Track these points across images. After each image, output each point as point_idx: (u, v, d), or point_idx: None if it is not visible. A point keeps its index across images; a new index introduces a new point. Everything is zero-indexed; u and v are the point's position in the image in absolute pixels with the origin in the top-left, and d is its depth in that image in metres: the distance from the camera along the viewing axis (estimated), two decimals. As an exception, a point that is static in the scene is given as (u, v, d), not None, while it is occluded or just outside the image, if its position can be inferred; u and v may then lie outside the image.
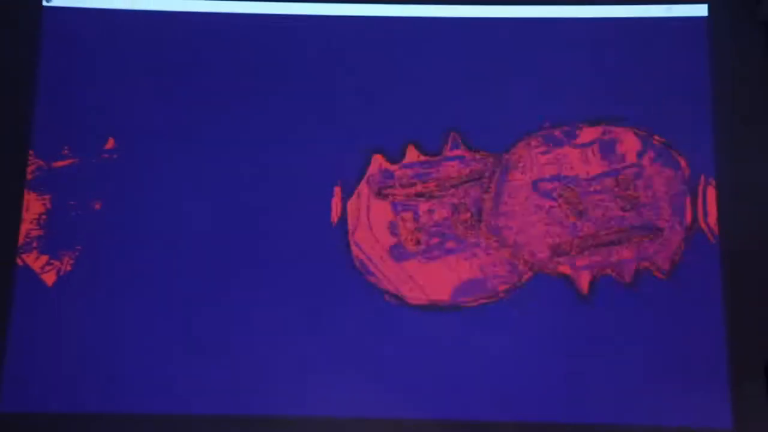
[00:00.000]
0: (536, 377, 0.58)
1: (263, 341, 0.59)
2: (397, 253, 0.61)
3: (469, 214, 0.61)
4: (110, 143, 0.62)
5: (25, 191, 0.61)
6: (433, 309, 0.60)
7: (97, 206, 0.61)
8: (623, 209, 0.61)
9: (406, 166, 0.62)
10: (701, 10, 0.63)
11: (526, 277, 0.60)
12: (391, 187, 0.62)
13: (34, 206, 0.61)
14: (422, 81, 0.63)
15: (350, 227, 0.61)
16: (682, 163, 0.61)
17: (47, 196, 0.61)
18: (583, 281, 0.60)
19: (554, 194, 0.61)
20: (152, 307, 0.60)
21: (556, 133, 0.62)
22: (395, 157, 0.62)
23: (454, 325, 0.59)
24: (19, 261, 0.60)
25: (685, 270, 0.60)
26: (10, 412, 0.58)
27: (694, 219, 0.60)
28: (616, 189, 0.61)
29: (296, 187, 0.62)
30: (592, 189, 0.61)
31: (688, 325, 0.59)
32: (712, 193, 0.61)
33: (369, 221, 0.61)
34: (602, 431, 0.58)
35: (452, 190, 0.61)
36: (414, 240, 0.61)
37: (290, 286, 0.60)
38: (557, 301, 0.59)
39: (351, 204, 0.61)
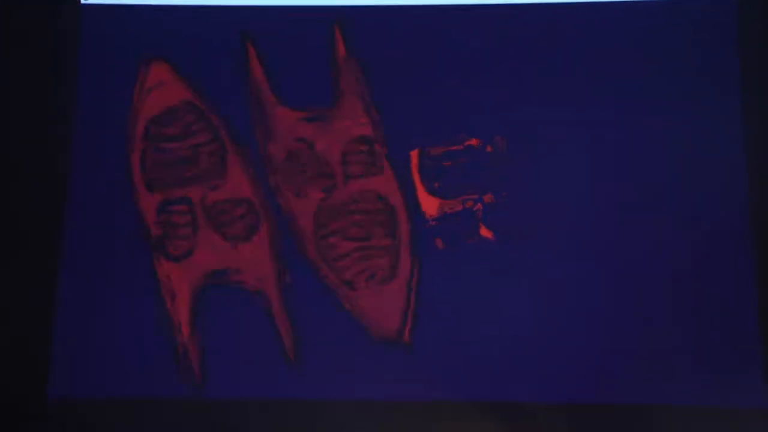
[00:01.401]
0: (570, 359, 0.59)
1: None
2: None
3: None
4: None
5: (68, 187, 0.63)
6: None
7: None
8: None
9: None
10: (731, -8, 0.64)
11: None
12: None
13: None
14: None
15: None
16: None
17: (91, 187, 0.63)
18: None
19: None
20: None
21: None
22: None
23: None
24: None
25: (718, 256, 0.60)
26: (59, 397, 0.60)
27: None
28: None
29: None
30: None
31: (722, 307, 0.59)
32: None
33: None
34: (637, 412, 0.58)
35: None
36: None
37: None
38: None
39: None
